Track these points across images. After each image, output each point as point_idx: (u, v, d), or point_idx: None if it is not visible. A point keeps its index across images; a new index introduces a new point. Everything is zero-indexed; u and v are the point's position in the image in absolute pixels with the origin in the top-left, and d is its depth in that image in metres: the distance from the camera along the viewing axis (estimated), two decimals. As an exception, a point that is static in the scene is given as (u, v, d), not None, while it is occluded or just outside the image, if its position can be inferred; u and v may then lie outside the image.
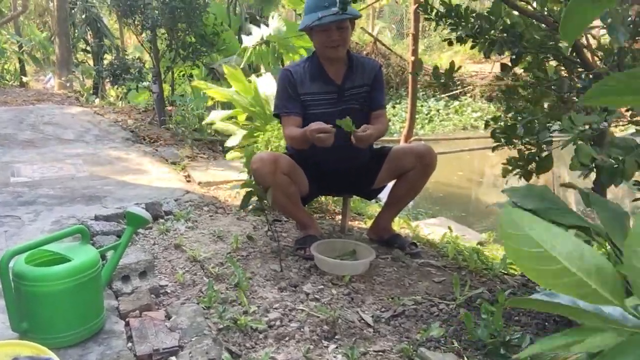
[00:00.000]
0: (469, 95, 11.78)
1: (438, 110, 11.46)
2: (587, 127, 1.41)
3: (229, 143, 3.99)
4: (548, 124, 1.68)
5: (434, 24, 1.96)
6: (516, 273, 2.25)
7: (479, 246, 2.51)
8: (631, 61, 1.69)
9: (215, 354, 1.49)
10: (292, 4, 6.28)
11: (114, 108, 6.84)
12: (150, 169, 3.91)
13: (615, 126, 1.75)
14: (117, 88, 7.45)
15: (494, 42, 1.85)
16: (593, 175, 1.53)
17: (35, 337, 1.45)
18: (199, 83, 4.68)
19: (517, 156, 1.81)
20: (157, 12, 5.31)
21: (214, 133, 4.84)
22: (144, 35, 5.89)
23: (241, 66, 5.50)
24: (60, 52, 9.80)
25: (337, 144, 2.06)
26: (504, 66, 1.93)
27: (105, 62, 9.08)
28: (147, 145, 4.85)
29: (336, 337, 1.64)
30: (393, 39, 16.13)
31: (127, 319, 1.69)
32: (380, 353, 1.56)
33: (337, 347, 1.58)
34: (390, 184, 2.44)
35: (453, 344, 1.57)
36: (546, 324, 1.73)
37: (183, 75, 6.70)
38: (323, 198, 3.05)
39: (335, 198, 3.07)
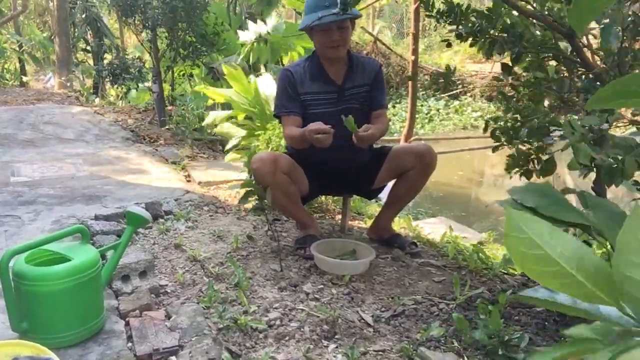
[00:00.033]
0: (469, 94, 11.78)
1: (438, 110, 11.46)
2: (586, 128, 1.41)
3: (229, 145, 3.99)
4: (549, 127, 1.68)
5: (434, 23, 1.96)
6: (516, 273, 2.25)
7: (479, 246, 2.51)
8: (632, 61, 1.69)
9: (215, 354, 1.49)
10: (292, 3, 6.28)
11: (114, 107, 6.84)
12: (150, 168, 3.91)
13: (616, 127, 1.75)
14: (117, 87, 7.46)
15: (494, 42, 1.85)
16: (593, 175, 1.54)
17: (35, 337, 1.45)
18: (199, 88, 4.68)
19: (517, 155, 1.81)
20: (157, 11, 5.31)
21: (214, 133, 4.84)
22: (144, 34, 5.89)
23: (237, 62, 5.49)
24: (60, 52, 9.81)
25: (337, 144, 2.05)
26: (504, 66, 1.93)
27: (105, 61, 9.08)
28: (147, 145, 4.85)
29: (336, 336, 1.64)
30: (393, 39, 16.12)
31: (127, 319, 1.69)
32: (380, 353, 1.56)
33: (337, 347, 1.58)
34: (390, 184, 2.44)
35: (453, 343, 1.57)
36: (546, 323, 1.73)
37: (183, 75, 6.70)
38: (323, 198, 3.05)
39: (335, 198, 3.07)
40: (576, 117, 2.03)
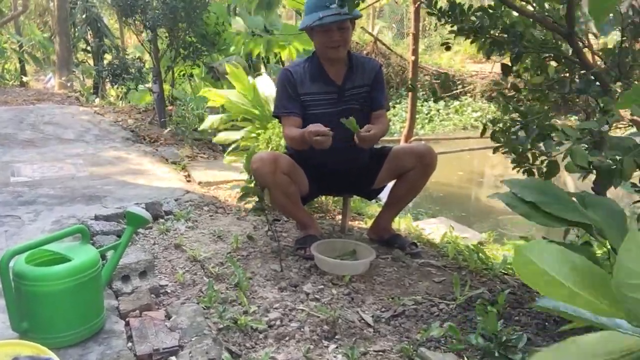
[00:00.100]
0: (469, 95, 11.78)
1: (438, 110, 11.46)
2: (585, 131, 1.41)
3: (229, 150, 3.98)
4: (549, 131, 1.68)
5: (434, 23, 1.96)
6: (516, 273, 2.25)
7: (479, 246, 2.51)
8: (632, 61, 1.69)
9: (215, 354, 1.49)
10: (292, 4, 6.28)
11: (114, 108, 6.84)
12: (151, 168, 3.91)
13: (617, 127, 1.75)
14: (117, 88, 7.46)
15: (494, 42, 1.85)
16: (593, 175, 1.53)
17: (35, 337, 1.45)
18: (203, 91, 4.69)
19: (518, 156, 1.81)
20: (157, 11, 5.31)
21: (214, 133, 4.84)
22: (144, 35, 5.89)
23: (232, 49, 5.49)
24: (60, 52, 9.81)
25: (336, 146, 2.05)
26: (504, 67, 1.93)
27: (106, 62, 9.08)
28: (147, 145, 4.85)
29: (336, 337, 1.64)
30: (393, 39, 16.12)
31: (127, 319, 1.69)
32: (380, 353, 1.56)
33: (337, 347, 1.58)
34: (391, 184, 2.44)
35: (453, 343, 1.57)
36: (546, 323, 1.73)
37: (183, 75, 6.70)
38: (323, 198, 3.05)
39: (335, 198, 3.07)
40: (576, 117, 2.04)
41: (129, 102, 7.39)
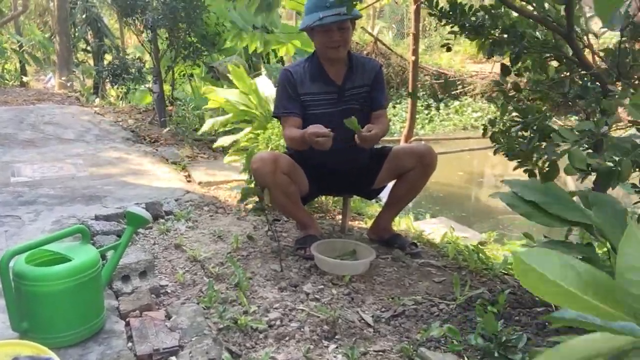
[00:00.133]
0: (469, 95, 11.77)
1: (438, 111, 11.45)
2: (584, 132, 1.41)
3: (230, 151, 3.99)
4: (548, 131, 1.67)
5: (434, 24, 1.96)
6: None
7: (479, 246, 2.51)
8: (632, 62, 1.69)
9: (216, 354, 1.49)
10: (292, 5, 6.27)
11: (114, 108, 6.84)
12: (151, 168, 3.91)
13: (618, 128, 1.75)
14: (118, 88, 7.46)
15: (495, 42, 1.85)
16: (593, 176, 1.53)
17: (35, 337, 1.45)
18: (207, 89, 4.69)
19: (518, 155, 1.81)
20: (158, 11, 5.31)
21: (215, 133, 4.84)
22: (144, 35, 5.89)
23: (227, 43, 5.47)
24: (60, 52, 9.81)
25: (337, 146, 2.05)
26: (503, 67, 1.92)
27: (106, 61, 9.09)
28: (147, 145, 4.85)
29: (336, 337, 1.64)
30: (393, 39, 16.12)
31: (127, 319, 1.69)
32: (380, 353, 1.56)
33: (337, 347, 1.58)
34: (391, 184, 2.44)
35: (453, 344, 1.57)
36: (546, 323, 1.73)
37: (183, 75, 6.70)
38: (323, 198, 3.05)
39: (336, 198, 3.07)
40: (576, 117, 2.04)
41: (129, 102, 7.40)
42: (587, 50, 1.89)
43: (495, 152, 1.89)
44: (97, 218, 2.66)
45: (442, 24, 1.92)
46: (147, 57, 7.26)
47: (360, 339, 1.63)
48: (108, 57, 10.47)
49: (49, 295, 1.47)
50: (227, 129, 4.31)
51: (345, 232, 2.63)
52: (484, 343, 1.50)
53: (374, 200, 3.08)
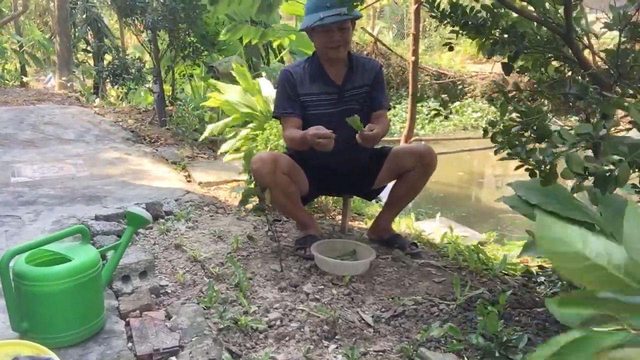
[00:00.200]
0: (469, 95, 11.77)
1: (433, 109, 11.44)
2: (583, 135, 1.41)
3: (230, 151, 3.99)
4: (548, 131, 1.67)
5: (434, 24, 1.96)
6: (516, 273, 2.25)
7: (479, 246, 2.51)
8: (632, 62, 1.69)
9: (216, 354, 1.49)
10: (289, 10, 6.27)
11: (114, 108, 6.84)
12: (151, 169, 3.91)
13: (618, 129, 1.75)
14: (118, 88, 7.46)
15: (496, 42, 1.85)
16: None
17: (35, 337, 1.45)
18: (210, 82, 4.69)
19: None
20: (157, 12, 5.31)
21: (217, 135, 4.84)
22: (144, 35, 5.89)
23: (221, 36, 5.48)
24: (60, 52, 9.81)
25: (337, 147, 2.05)
26: (504, 65, 1.92)
27: (106, 62, 9.08)
28: (147, 145, 4.85)
29: (336, 337, 1.64)
30: (394, 39, 16.12)
31: (127, 319, 1.69)
32: (381, 353, 1.56)
33: (337, 347, 1.58)
34: (391, 184, 2.44)
35: (453, 344, 1.57)
36: (546, 324, 1.73)
37: (183, 75, 6.70)
38: (323, 198, 3.05)
39: (336, 198, 3.07)
40: (576, 117, 2.03)
41: (129, 103, 7.40)
42: (587, 50, 1.89)
43: (496, 152, 1.89)
44: (97, 218, 2.66)
45: (444, 24, 1.92)
46: (147, 57, 7.26)
47: (360, 339, 1.63)
48: (108, 57, 10.46)
49: (49, 295, 1.47)
50: (227, 132, 4.30)
51: (345, 232, 2.63)
52: (485, 342, 1.50)
53: (374, 201, 3.08)
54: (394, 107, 11.13)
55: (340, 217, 2.79)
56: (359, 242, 2.32)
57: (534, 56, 1.87)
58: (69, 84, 9.42)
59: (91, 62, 11.66)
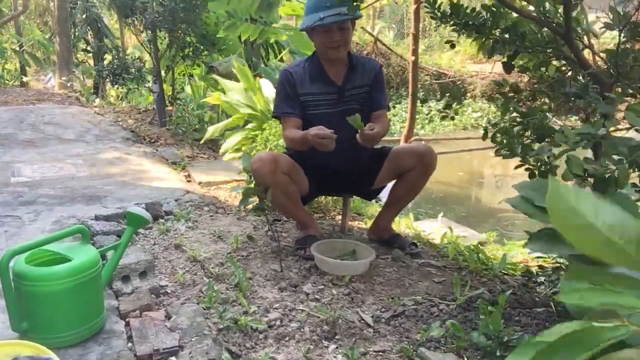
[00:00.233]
0: (469, 95, 11.77)
1: (438, 111, 11.45)
2: (584, 135, 1.41)
3: (230, 150, 3.99)
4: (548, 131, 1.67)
5: (434, 24, 1.96)
6: (516, 273, 2.25)
7: (479, 246, 2.51)
8: (632, 62, 1.69)
9: (216, 354, 1.49)
10: (287, 12, 6.27)
11: (114, 108, 6.84)
12: (151, 168, 3.91)
13: (618, 130, 1.75)
14: (118, 88, 7.45)
15: (496, 42, 1.85)
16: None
17: (35, 337, 1.45)
18: (216, 77, 4.69)
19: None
20: (158, 11, 5.31)
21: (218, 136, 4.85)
22: (144, 35, 5.89)
23: (219, 33, 5.48)
24: (60, 52, 9.80)
25: (337, 147, 2.05)
26: (506, 64, 1.92)
27: (106, 62, 9.08)
28: (147, 145, 4.85)
29: (336, 337, 1.64)
30: (394, 39, 16.12)
31: (127, 319, 1.69)
32: (380, 353, 1.56)
33: (337, 347, 1.58)
34: (390, 184, 2.44)
35: (453, 344, 1.57)
36: (546, 324, 1.73)
37: (183, 75, 6.69)
38: (323, 198, 3.05)
39: (335, 198, 3.07)
40: (576, 117, 2.03)
41: (129, 102, 7.39)
42: (587, 50, 1.89)
43: (496, 153, 1.89)
44: (97, 218, 2.66)
45: (445, 25, 1.92)
46: (147, 57, 7.26)
47: (360, 339, 1.63)
48: (108, 57, 10.45)
49: (49, 295, 1.47)
50: (229, 133, 4.30)
51: (345, 232, 2.63)
52: (486, 342, 1.50)
53: (373, 200, 3.08)
54: (394, 107, 11.13)
55: (340, 217, 2.79)
56: (358, 242, 2.32)
57: (534, 55, 1.87)
58: (69, 84, 9.42)
59: (91, 62, 11.64)
